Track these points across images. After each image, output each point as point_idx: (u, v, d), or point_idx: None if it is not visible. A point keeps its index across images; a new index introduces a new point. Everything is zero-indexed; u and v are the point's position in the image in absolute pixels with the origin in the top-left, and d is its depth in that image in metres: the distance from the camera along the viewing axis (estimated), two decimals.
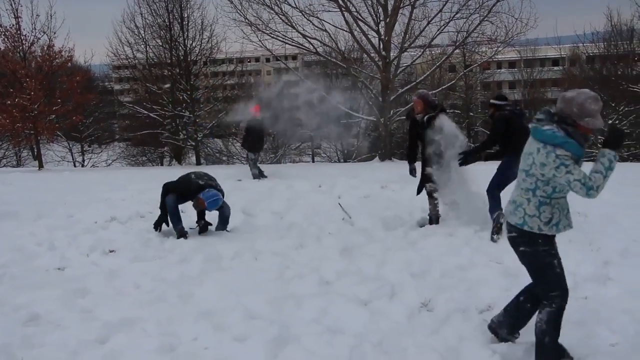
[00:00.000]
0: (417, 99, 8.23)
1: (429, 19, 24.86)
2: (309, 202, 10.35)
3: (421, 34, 25.47)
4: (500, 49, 26.00)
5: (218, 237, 8.09)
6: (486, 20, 24.19)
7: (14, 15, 26.78)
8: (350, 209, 9.39)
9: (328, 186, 12.03)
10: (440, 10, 24.47)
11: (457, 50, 28.89)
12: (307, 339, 4.65)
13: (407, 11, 24.91)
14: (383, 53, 24.94)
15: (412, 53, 27.89)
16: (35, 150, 33.11)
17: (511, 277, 5.78)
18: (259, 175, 14.80)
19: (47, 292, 5.82)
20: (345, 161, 41.37)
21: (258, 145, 15.07)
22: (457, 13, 24.35)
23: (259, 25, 25.57)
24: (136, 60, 35.23)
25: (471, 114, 45.31)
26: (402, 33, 25.35)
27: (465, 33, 24.87)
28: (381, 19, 24.93)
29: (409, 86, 29.05)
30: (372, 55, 26.26)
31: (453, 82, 32.79)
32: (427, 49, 27.78)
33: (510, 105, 7.85)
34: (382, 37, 24.81)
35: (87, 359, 4.48)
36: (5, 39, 26.76)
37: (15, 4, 26.86)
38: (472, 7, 24.12)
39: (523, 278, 4.51)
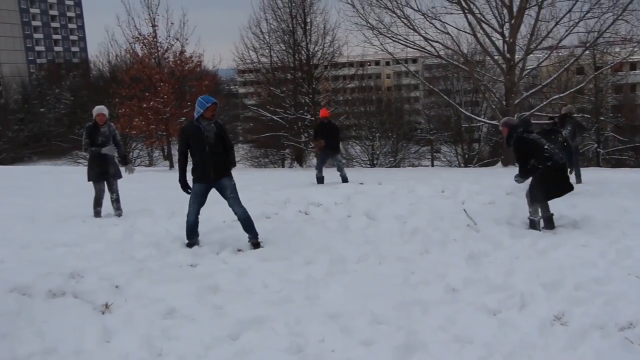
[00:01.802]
0: (502, 127, 8.99)
1: (557, 20, 24.01)
2: (432, 207, 10.22)
3: (548, 35, 24.62)
4: (636, 49, 24.64)
5: (342, 240, 8.14)
6: (620, 19, 23.01)
7: (152, 24, 28.32)
8: (475, 215, 9.20)
9: (451, 191, 11.84)
10: (570, 10, 23.59)
11: (586, 52, 27.63)
12: (435, 347, 4.61)
13: (533, 12, 24.20)
14: (507, 55, 24.32)
15: (538, 55, 27.02)
16: (166, 150, 34.77)
17: None
18: (321, 180, 14.76)
19: (181, 287, 6.09)
20: (466, 166, 40.56)
21: (327, 148, 14.99)
22: (588, 12, 23.35)
23: (380, 28, 25.66)
24: (260, 65, 36.20)
25: (601, 118, 43.25)
26: (528, 35, 24.65)
27: (596, 33, 23.78)
28: (506, 20, 24.32)
29: (534, 90, 28.21)
30: (496, 57, 25.66)
31: (582, 85, 31.45)
32: (554, 51, 26.74)
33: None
34: (507, 39, 24.19)
35: (220, 354, 4.64)
36: (144, 46, 28.34)
37: (152, 13, 28.41)
38: (604, 6, 23.01)
39: None
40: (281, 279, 6.45)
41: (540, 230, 8.42)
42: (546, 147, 8.48)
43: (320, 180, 14.69)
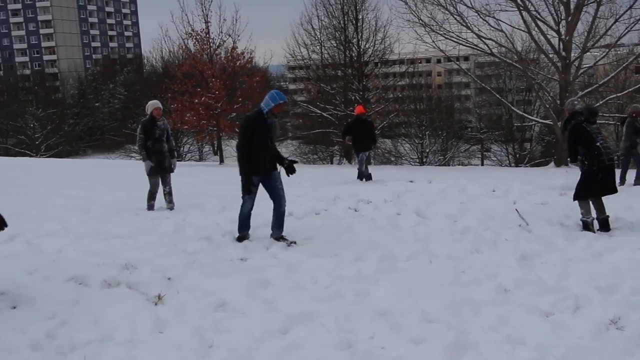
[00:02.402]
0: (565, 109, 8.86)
1: (617, 17, 23.32)
2: (482, 206, 10.11)
3: (607, 32, 23.97)
4: None
5: (392, 238, 8.10)
6: None
7: (205, 20, 28.68)
8: (527, 215, 9.06)
9: (502, 191, 11.70)
10: (631, 7, 22.88)
11: None
12: (486, 347, 4.55)
13: (591, 9, 23.60)
14: (563, 54, 23.79)
15: (595, 53, 26.37)
16: (216, 145, 35.17)
17: None
18: (363, 176, 14.75)
19: (232, 281, 6.16)
20: (516, 165, 39.93)
21: (361, 144, 14.91)
22: None
23: (432, 26, 25.43)
24: (311, 61, 36.30)
25: None
26: (585, 32, 24.06)
27: None
28: (562, 17, 23.81)
29: (590, 89, 27.52)
30: (551, 56, 25.13)
31: None
32: (613, 49, 26.05)
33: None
34: (563, 36, 23.68)
35: (270, 348, 4.67)
36: (196, 42, 28.71)
37: (205, 10, 28.75)
38: None
39: None
40: (331, 275, 6.46)
41: (594, 232, 8.24)
42: (598, 144, 8.26)
43: (367, 177, 14.68)
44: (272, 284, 6.15)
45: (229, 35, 29.32)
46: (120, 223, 9.02)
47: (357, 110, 15.58)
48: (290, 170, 8.16)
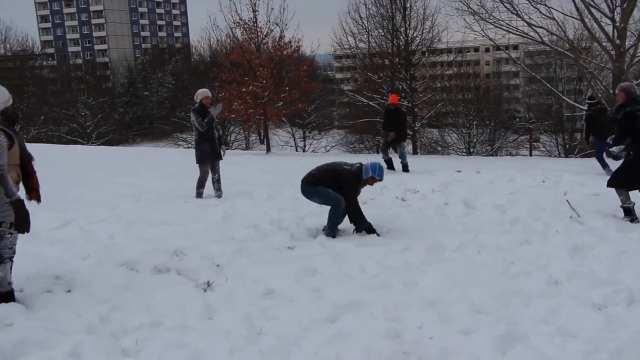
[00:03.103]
0: (619, 92, 8.36)
1: None
2: (532, 197, 9.95)
3: None
4: None
5: (440, 228, 8.04)
6: None
7: (252, 9, 28.74)
8: (578, 207, 8.88)
9: (552, 182, 11.48)
10: None
11: None
12: (537, 340, 4.51)
13: None
14: (617, 42, 23.15)
15: None
16: (263, 134, 35.38)
17: None
18: (389, 165, 14.45)
19: (280, 269, 6.22)
20: (566, 156, 39.16)
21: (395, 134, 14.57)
22: None
23: (482, 14, 25.03)
24: (358, 50, 36.17)
25: None
26: None
27: None
28: (617, 4, 23.13)
29: None
30: (604, 44, 24.50)
31: None
32: None
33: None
34: (617, 24, 23.03)
35: (318, 336, 4.70)
36: (244, 31, 28.83)
37: None
38: None
39: None
40: (378, 264, 6.46)
41: (636, 218, 8.10)
42: None
43: (388, 163, 14.44)
44: (319, 273, 6.18)
45: (277, 24, 29.34)
46: (169, 210, 9.16)
47: (389, 100, 15.41)
48: None
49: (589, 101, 14.46)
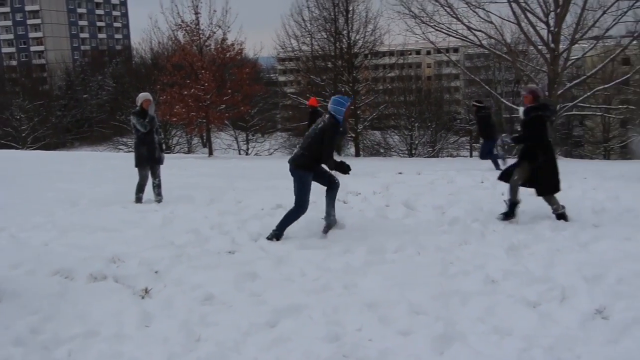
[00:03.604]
0: (526, 94, 8.47)
1: (605, 9, 23.45)
2: (471, 197, 10.14)
3: (595, 24, 24.12)
4: None
5: (381, 230, 8.10)
6: None
7: (195, 11, 28.50)
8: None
9: (491, 182, 11.70)
10: None
11: (634, 42, 26.97)
12: (474, 338, 4.56)
13: (580, 0, 23.69)
14: (552, 45, 23.89)
15: (583, 45, 26.50)
16: (206, 137, 35.08)
17: None
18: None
19: (220, 274, 6.14)
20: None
21: None
22: (637, 1, 22.80)
23: (423, 17, 25.46)
24: (301, 53, 36.27)
25: None
26: (574, 24, 24.23)
27: None
28: (551, 9, 23.89)
29: (577, 80, 27.68)
30: (540, 47, 25.22)
31: (628, 76, 30.68)
32: (600, 41, 26.16)
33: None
34: (552, 28, 23.77)
35: (258, 341, 4.66)
36: (186, 34, 28.56)
37: (196, 0, 28.59)
38: None
39: None
40: (319, 268, 6.44)
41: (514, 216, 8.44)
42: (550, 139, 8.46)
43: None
44: (260, 277, 6.13)
45: (219, 27, 29.15)
46: (107, 216, 8.99)
47: (308, 102, 15.55)
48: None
49: (476, 104, 14.88)
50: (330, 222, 8.08)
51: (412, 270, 6.26)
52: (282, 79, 59.29)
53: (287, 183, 11.77)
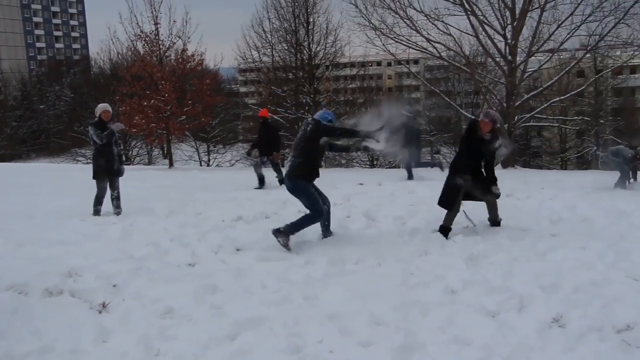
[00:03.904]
0: (487, 121, 8.41)
1: (559, 22, 24.06)
2: (431, 208, 10.16)
3: (550, 37, 24.72)
4: (636, 53, 24.68)
5: (342, 241, 8.11)
6: (622, 23, 23.09)
7: (154, 22, 28.23)
8: (474, 216, 9.16)
9: None
10: (572, 13, 23.70)
11: (587, 55, 27.69)
12: (434, 349, 4.61)
13: (535, 14, 24.29)
14: (509, 57, 24.37)
15: (540, 58, 27.10)
16: (166, 149, 34.76)
17: None
18: (262, 179, 14.43)
19: (180, 287, 6.08)
20: None
21: (265, 148, 14.68)
22: (589, 16, 23.48)
23: (383, 29, 25.72)
24: (262, 64, 36.28)
25: (601, 121, 43.27)
26: (530, 37, 24.74)
27: (597, 37, 23.86)
28: (508, 22, 24.39)
29: (534, 92, 28.26)
30: (498, 59, 25.68)
31: (582, 88, 31.49)
32: (556, 54, 26.78)
33: None
34: (509, 41, 24.26)
35: (218, 354, 4.63)
36: (145, 44, 28.25)
37: (155, 11, 28.33)
38: (606, 9, 23.14)
39: None
40: (280, 279, 6.42)
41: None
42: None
43: (260, 180, 14.45)
44: (220, 289, 6.09)
45: (179, 37, 28.87)
46: (64, 229, 8.82)
47: (259, 114, 15.64)
48: None
49: (406, 114, 15.10)
50: (327, 235, 8.28)
51: (373, 281, 6.28)
52: (243, 89, 59.20)
53: (250, 194, 11.79)
